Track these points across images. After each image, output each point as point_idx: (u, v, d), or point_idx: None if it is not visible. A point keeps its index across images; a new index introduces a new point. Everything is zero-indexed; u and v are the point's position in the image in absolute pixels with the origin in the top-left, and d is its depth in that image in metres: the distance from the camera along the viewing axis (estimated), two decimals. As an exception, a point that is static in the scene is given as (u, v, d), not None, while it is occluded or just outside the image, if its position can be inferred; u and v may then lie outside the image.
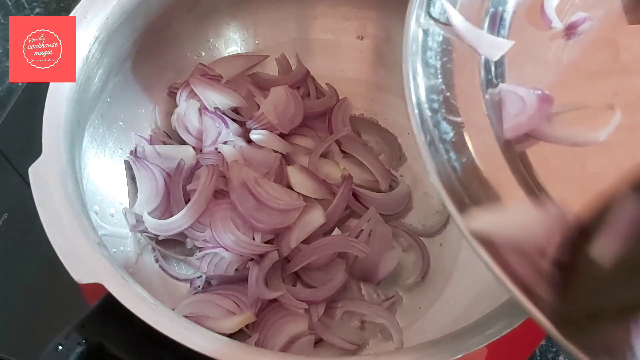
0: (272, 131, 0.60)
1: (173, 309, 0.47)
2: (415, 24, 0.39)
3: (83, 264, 0.38)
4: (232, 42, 0.66)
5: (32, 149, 0.42)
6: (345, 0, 0.65)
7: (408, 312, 0.54)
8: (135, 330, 0.37)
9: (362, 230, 0.55)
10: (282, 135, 0.61)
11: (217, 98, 0.61)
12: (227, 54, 0.66)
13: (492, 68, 0.39)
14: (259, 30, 0.66)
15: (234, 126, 0.60)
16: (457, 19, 0.39)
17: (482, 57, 0.39)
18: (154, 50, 0.58)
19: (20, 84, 0.71)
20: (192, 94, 0.61)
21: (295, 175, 0.58)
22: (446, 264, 0.56)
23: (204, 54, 0.64)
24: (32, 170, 0.41)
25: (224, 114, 0.61)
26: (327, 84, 0.66)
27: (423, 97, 0.36)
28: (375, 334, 0.53)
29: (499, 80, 0.39)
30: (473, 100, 0.37)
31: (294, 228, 0.53)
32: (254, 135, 0.59)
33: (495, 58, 0.39)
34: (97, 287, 0.37)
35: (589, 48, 0.39)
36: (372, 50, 0.66)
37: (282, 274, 0.54)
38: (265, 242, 0.53)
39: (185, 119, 0.59)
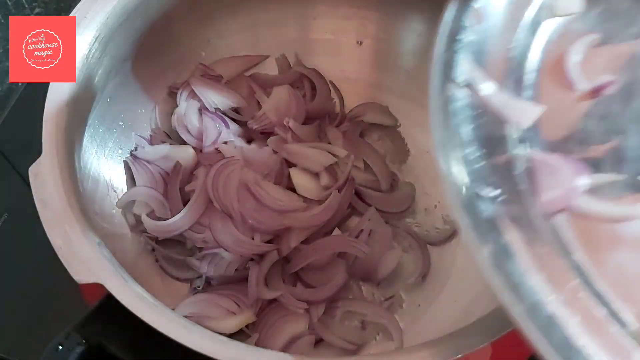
0: (273, 131, 0.60)
1: (173, 309, 0.47)
2: (440, 91, 0.35)
3: (83, 264, 0.38)
4: (232, 42, 0.66)
5: (32, 149, 0.42)
6: (345, 0, 0.65)
7: (408, 312, 0.54)
8: (135, 330, 0.37)
9: (362, 230, 0.55)
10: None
11: (217, 98, 0.60)
12: (227, 54, 0.66)
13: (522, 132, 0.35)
14: (259, 30, 0.66)
15: (234, 126, 0.60)
16: (484, 85, 0.35)
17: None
18: (154, 50, 0.58)
19: (20, 84, 0.71)
20: (192, 94, 0.61)
21: (297, 177, 0.58)
22: (446, 264, 0.56)
23: (204, 54, 0.64)
24: (32, 170, 0.41)
25: (224, 114, 0.61)
26: (330, 81, 0.66)
27: (456, 171, 0.32)
28: (375, 334, 0.53)
29: (530, 146, 0.35)
30: (506, 170, 0.33)
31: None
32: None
33: (526, 126, 0.35)
34: (97, 287, 0.37)
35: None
36: (372, 50, 0.66)
37: (282, 274, 0.54)
38: (265, 242, 0.53)
39: (185, 119, 0.59)
